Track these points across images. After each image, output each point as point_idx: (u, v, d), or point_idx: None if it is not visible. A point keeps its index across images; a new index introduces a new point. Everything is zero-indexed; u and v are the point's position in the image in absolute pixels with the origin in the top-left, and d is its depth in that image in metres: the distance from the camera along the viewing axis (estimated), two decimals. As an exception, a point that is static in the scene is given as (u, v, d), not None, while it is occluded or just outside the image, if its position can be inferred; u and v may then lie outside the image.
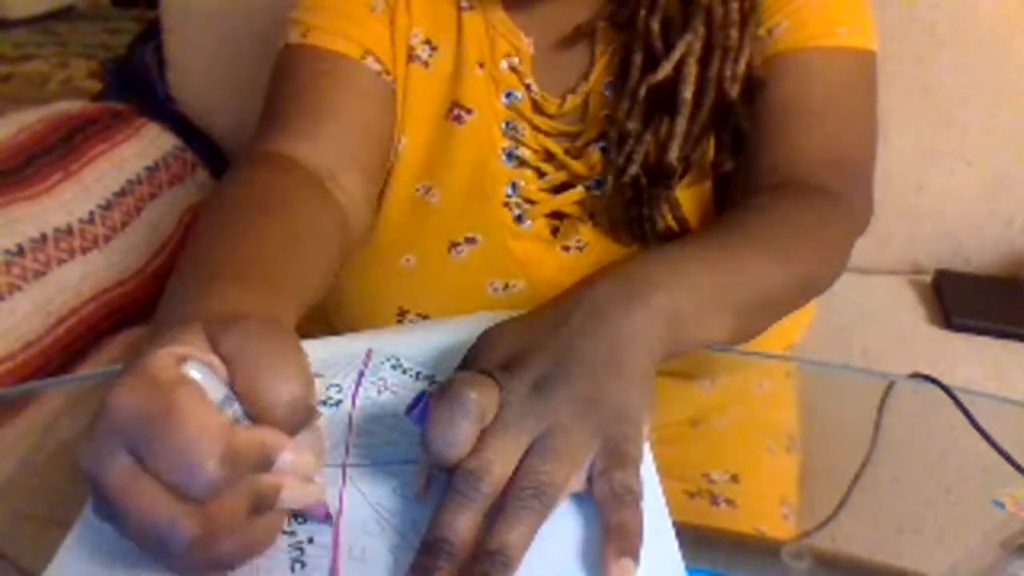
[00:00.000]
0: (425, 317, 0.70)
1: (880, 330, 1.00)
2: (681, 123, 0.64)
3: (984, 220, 1.09)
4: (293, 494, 0.38)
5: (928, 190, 1.08)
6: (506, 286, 0.70)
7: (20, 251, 0.86)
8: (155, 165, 1.07)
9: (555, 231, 0.72)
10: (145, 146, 1.08)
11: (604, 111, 0.69)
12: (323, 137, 0.64)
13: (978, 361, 0.93)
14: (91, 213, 0.96)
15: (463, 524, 0.37)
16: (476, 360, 0.45)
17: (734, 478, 0.59)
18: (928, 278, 1.08)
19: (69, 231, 0.93)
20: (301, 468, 0.38)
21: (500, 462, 0.39)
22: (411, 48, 0.70)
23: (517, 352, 0.44)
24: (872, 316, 1.01)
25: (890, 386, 0.61)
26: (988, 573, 0.46)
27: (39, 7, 1.77)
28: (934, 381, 0.59)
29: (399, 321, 0.70)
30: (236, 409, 0.37)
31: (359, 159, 0.66)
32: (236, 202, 0.57)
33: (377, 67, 0.68)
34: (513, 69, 0.70)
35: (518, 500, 0.38)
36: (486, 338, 0.47)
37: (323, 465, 0.41)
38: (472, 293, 0.70)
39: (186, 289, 0.46)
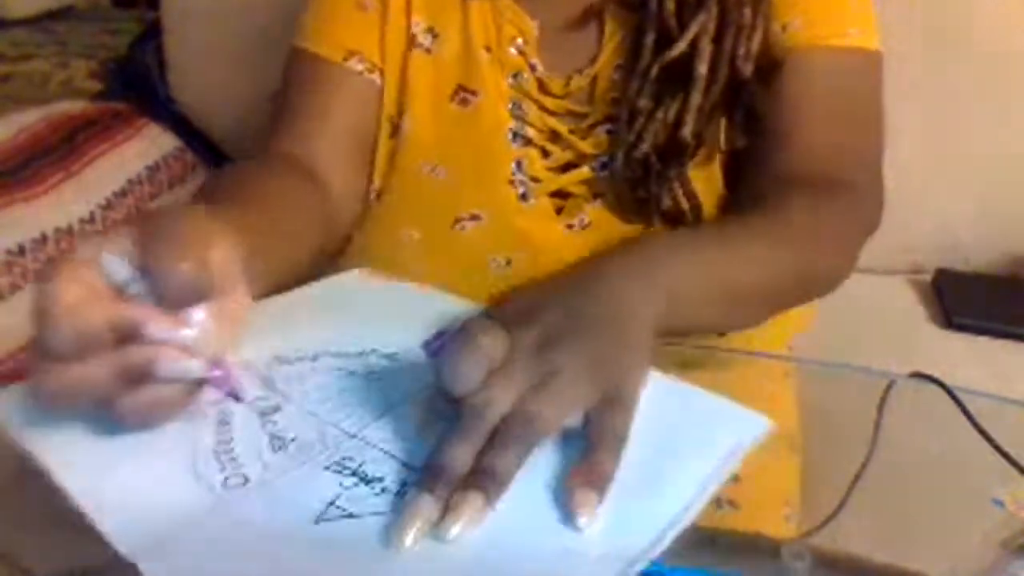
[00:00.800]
0: None
1: (880, 330, 1.00)
2: (696, 98, 0.66)
3: (984, 220, 1.09)
4: (170, 364, 0.41)
5: (928, 190, 1.08)
6: (508, 262, 0.71)
7: (20, 251, 0.86)
8: (155, 165, 1.07)
9: (559, 210, 0.73)
10: (145, 146, 1.08)
11: (612, 93, 0.71)
12: (314, 139, 0.71)
13: (978, 361, 0.93)
14: (91, 213, 0.96)
15: (460, 453, 0.41)
16: (492, 312, 0.49)
17: (735, 478, 0.59)
18: (928, 278, 1.08)
19: (69, 231, 0.93)
20: (179, 339, 0.41)
21: (501, 399, 0.42)
22: (413, 36, 0.73)
23: (529, 308, 0.47)
24: (872, 316, 1.01)
25: (890, 386, 0.61)
26: (988, 573, 0.46)
27: (39, 7, 1.77)
28: (934, 381, 0.59)
29: None
30: (139, 289, 0.41)
31: (348, 159, 0.72)
32: (235, 174, 0.66)
33: (359, 67, 0.72)
34: (519, 51, 0.72)
35: (508, 430, 0.41)
36: (507, 297, 0.50)
37: (230, 345, 0.44)
38: (474, 267, 0.71)
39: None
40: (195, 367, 0.42)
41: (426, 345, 0.46)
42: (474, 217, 0.71)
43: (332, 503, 0.40)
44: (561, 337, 0.45)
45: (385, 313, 0.60)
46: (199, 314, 0.41)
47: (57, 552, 0.46)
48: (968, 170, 1.07)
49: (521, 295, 0.50)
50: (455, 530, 0.38)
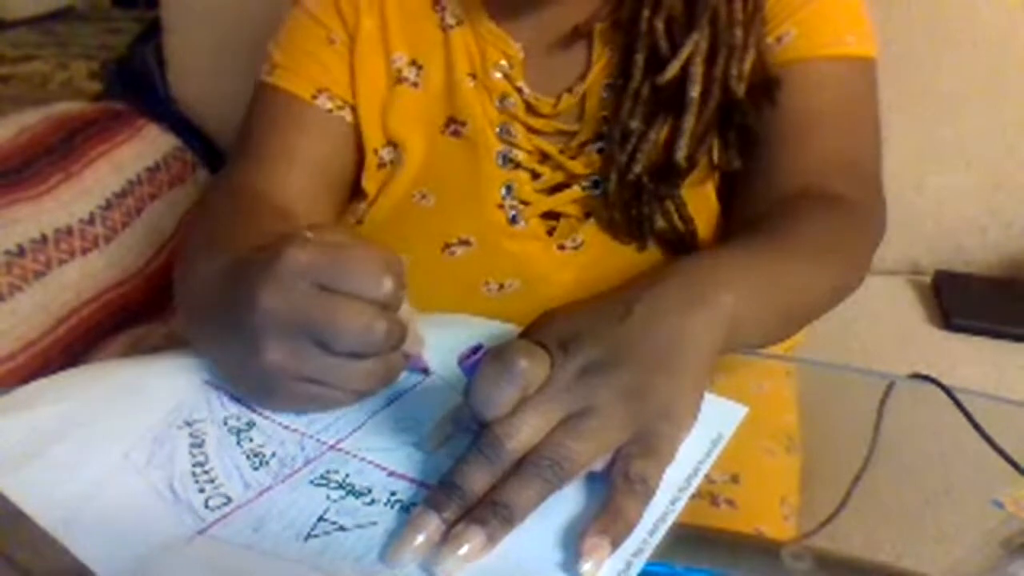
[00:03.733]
0: None
1: (880, 330, 1.00)
2: (689, 121, 0.65)
3: (984, 220, 1.09)
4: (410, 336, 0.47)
5: (928, 190, 1.08)
6: (501, 286, 0.70)
7: (20, 251, 0.86)
8: (155, 165, 1.07)
9: (551, 231, 0.72)
10: (145, 146, 1.08)
11: (602, 112, 0.70)
12: (282, 176, 0.70)
13: (978, 361, 0.93)
14: (91, 214, 0.96)
15: (479, 479, 0.39)
16: (535, 333, 0.46)
17: (734, 478, 0.59)
18: (928, 278, 1.08)
19: (69, 231, 0.93)
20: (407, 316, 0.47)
21: (528, 431, 0.40)
22: (397, 71, 0.72)
23: (575, 334, 0.45)
24: (872, 316, 1.01)
25: (890, 386, 0.61)
26: (988, 573, 0.46)
27: (39, 7, 1.77)
28: (934, 381, 0.59)
29: None
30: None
31: (317, 197, 0.71)
32: (225, 219, 0.64)
33: (328, 105, 0.72)
34: (504, 75, 0.71)
35: (533, 467, 0.39)
36: (547, 315, 0.48)
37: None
38: (466, 293, 0.70)
39: (216, 258, 0.53)
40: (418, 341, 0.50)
41: (461, 360, 0.44)
42: (463, 242, 0.71)
43: (321, 517, 0.40)
44: (603, 370, 0.43)
45: None
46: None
47: (54, 551, 0.46)
48: (968, 171, 1.07)
49: (564, 316, 0.48)
50: (447, 565, 0.37)
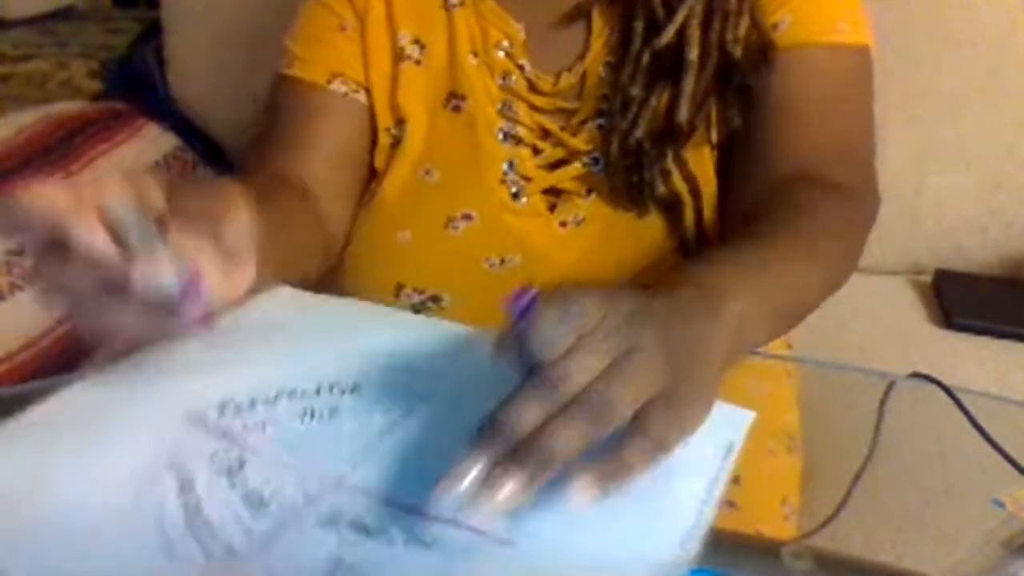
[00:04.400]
0: (422, 292, 0.71)
1: (880, 330, 1.00)
2: (688, 83, 0.67)
3: (984, 220, 1.09)
4: (143, 277, 0.40)
5: (928, 190, 1.08)
6: (502, 261, 0.71)
7: (21, 251, 0.86)
8: (155, 165, 1.07)
9: (552, 207, 0.73)
10: (145, 146, 1.08)
11: (602, 89, 0.71)
12: (306, 164, 0.71)
13: (978, 361, 0.93)
14: (91, 213, 0.96)
15: (528, 416, 0.38)
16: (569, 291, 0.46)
17: (734, 479, 0.59)
18: (928, 278, 1.08)
19: (69, 231, 0.92)
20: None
21: (582, 371, 0.40)
22: (400, 49, 0.74)
23: (613, 293, 0.44)
24: (872, 316, 1.01)
25: (890, 386, 0.61)
26: (988, 573, 0.46)
27: (39, 7, 1.77)
28: (934, 381, 0.59)
29: (396, 297, 0.71)
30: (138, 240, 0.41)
31: (339, 180, 0.73)
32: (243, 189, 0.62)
33: (343, 88, 0.73)
34: (507, 54, 0.73)
35: (579, 408, 0.39)
36: (570, 285, 0.47)
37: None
38: (468, 268, 0.71)
39: None
40: (168, 282, 0.40)
41: (509, 302, 0.42)
42: (466, 217, 0.72)
43: (337, 562, 0.37)
44: (647, 318, 0.43)
45: (332, 337, 0.55)
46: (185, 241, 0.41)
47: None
48: (968, 171, 1.07)
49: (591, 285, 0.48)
50: (488, 508, 0.36)
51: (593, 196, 0.71)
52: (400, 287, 0.71)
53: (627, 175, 0.69)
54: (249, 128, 0.74)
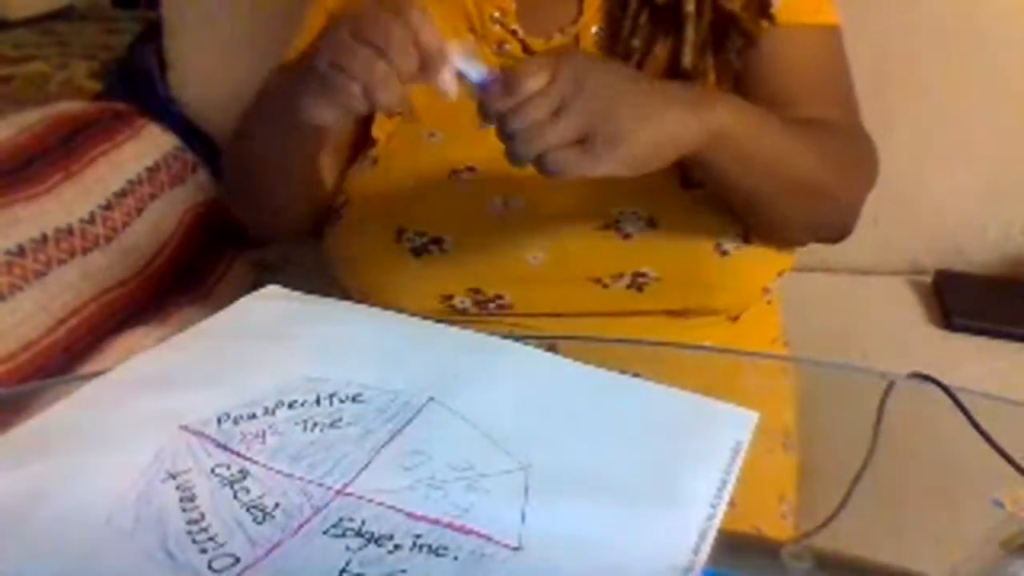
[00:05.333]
0: (423, 235, 0.72)
1: (880, 330, 1.00)
2: (689, 32, 0.72)
3: (984, 220, 1.09)
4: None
5: (928, 190, 1.08)
6: (506, 203, 0.73)
7: (21, 251, 0.86)
8: (155, 165, 1.07)
9: None
10: (145, 146, 1.08)
11: (597, 50, 0.76)
12: None
13: (978, 361, 0.93)
14: (91, 213, 0.96)
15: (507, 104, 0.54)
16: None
17: (733, 478, 0.59)
18: (928, 278, 1.08)
19: (70, 231, 0.92)
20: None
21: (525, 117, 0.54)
22: None
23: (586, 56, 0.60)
24: (872, 316, 1.01)
25: (890, 386, 0.61)
26: (988, 573, 0.46)
27: (39, 7, 1.77)
28: (934, 381, 0.59)
29: (397, 241, 0.72)
30: None
31: (332, 154, 0.79)
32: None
33: None
34: (499, 23, 0.78)
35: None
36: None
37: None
38: (472, 210, 0.73)
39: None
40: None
41: (480, 86, 0.57)
42: (470, 169, 0.74)
43: (344, 571, 0.37)
44: (595, 76, 0.54)
45: (326, 342, 0.55)
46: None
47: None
48: (969, 170, 1.07)
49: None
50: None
51: None
52: (401, 231, 0.72)
53: None
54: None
